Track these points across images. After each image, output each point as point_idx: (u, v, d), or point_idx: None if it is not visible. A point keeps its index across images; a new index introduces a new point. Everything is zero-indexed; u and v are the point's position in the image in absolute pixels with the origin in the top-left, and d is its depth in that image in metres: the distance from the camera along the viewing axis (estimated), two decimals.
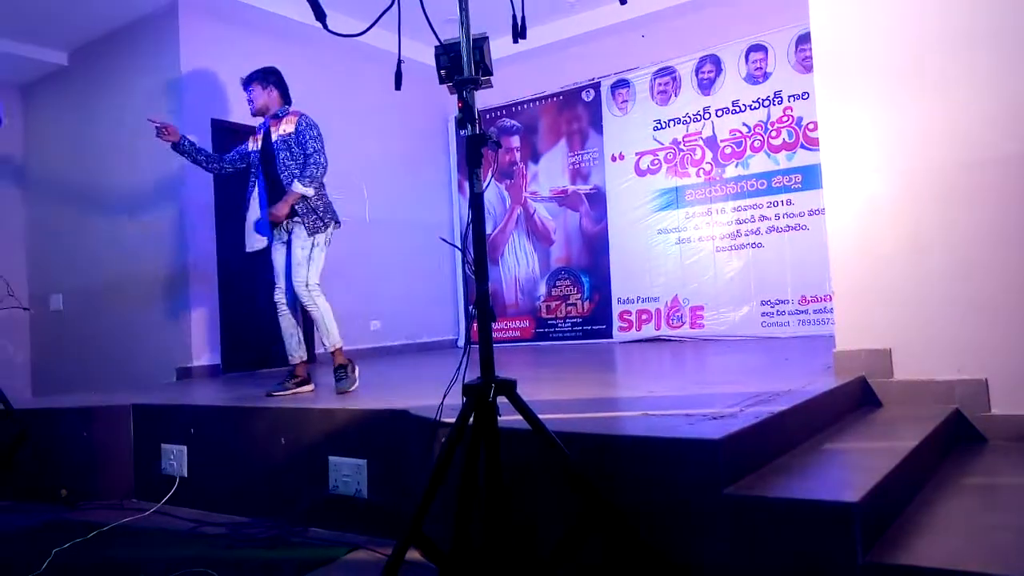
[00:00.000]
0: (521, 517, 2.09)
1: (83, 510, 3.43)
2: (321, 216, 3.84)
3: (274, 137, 3.91)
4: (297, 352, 3.94)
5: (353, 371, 3.78)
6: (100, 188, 6.25)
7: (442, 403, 2.12)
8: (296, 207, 3.81)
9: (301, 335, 3.98)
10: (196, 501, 3.39)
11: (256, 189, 3.90)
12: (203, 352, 5.63)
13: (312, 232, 3.80)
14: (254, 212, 3.88)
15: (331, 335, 3.83)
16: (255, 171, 3.95)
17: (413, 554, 2.45)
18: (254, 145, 4.02)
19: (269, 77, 4.04)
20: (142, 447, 3.66)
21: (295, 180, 3.80)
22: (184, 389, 4.77)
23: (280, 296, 3.93)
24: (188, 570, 2.43)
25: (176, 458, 3.50)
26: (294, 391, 3.76)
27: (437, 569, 2.35)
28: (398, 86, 1.97)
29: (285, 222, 3.86)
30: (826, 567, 1.69)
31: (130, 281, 5.96)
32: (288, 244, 3.89)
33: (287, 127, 3.89)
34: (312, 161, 3.83)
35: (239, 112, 5.97)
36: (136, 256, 5.93)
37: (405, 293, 7.26)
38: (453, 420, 1.89)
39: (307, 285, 3.78)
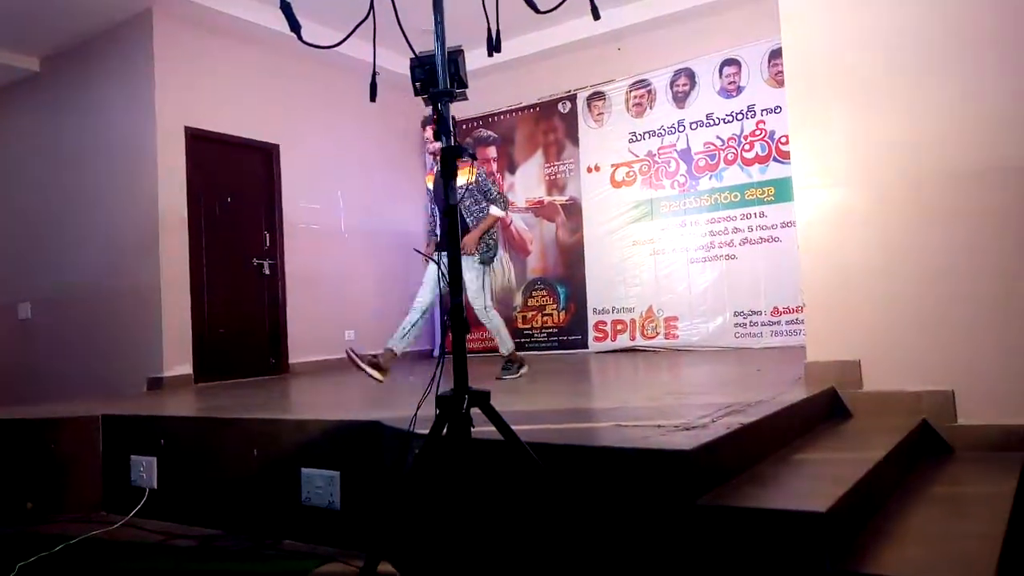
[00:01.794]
0: (494, 528, 2.09)
1: (50, 523, 3.36)
2: (492, 248, 4.52)
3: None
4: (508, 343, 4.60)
5: (519, 368, 4.57)
6: (72, 196, 6.18)
7: (415, 414, 2.11)
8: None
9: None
10: (166, 513, 3.34)
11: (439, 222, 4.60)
12: (175, 362, 5.56)
13: (484, 262, 4.45)
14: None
15: (505, 343, 4.55)
16: (432, 203, 4.66)
17: (386, 566, 2.44)
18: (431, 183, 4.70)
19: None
20: (111, 458, 3.61)
21: (491, 205, 4.41)
22: (155, 399, 4.71)
23: (419, 303, 4.67)
24: None
25: (146, 470, 3.45)
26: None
27: None
28: (373, 98, 1.97)
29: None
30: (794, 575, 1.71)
31: (101, 290, 5.89)
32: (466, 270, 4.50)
33: (469, 177, 4.32)
34: (497, 193, 4.48)
35: (213, 120, 5.95)
36: (108, 265, 5.86)
37: (380, 303, 7.22)
38: (427, 431, 1.89)
39: (485, 307, 4.44)
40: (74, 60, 6.23)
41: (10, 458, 3.55)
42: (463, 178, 4.45)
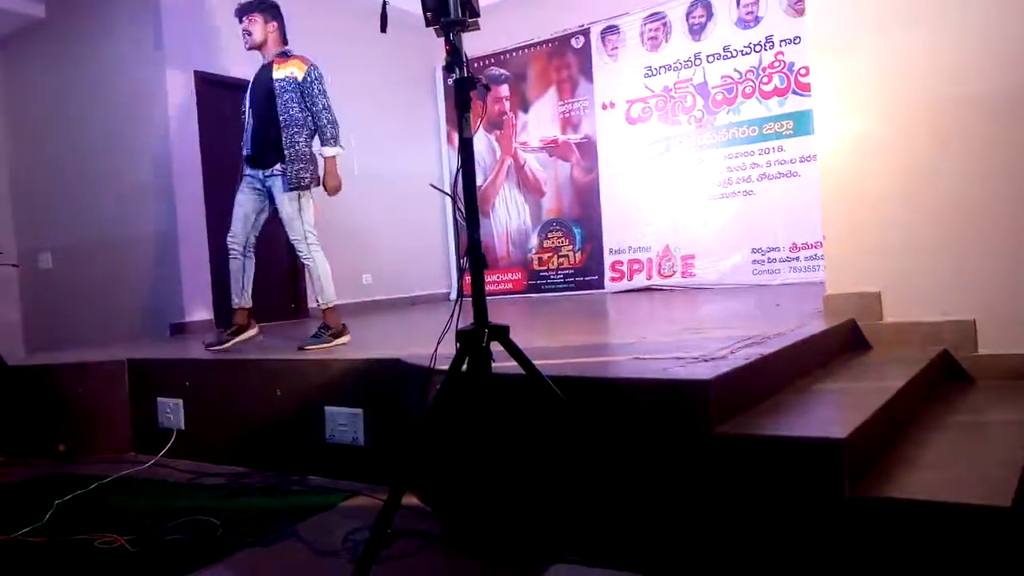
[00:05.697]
0: (515, 460, 2.13)
1: (82, 464, 3.46)
2: (310, 172, 3.73)
3: (276, 75, 3.71)
4: (241, 298, 3.84)
5: (333, 337, 3.60)
6: (84, 144, 6.16)
7: (436, 350, 2.12)
8: (284, 154, 3.68)
9: (247, 281, 3.85)
10: (194, 453, 3.42)
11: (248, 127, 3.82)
12: (196, 308, 5.62)
13: (293, 188, 3.66)
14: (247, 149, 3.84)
15: (325, 292, 3.73)
16: (246, 108, 3.84)
17: (411, 498, 2.50)
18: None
19: (272, 10, 3.83)
20: (138, 401, 3.68)
21: (324, 146, 3.73)
22: (178, 344, 4.77)
23: (231, 241, 3.85)
24: (190, 518, 2.47)
25: (173, 411, 3.52)
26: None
27: (433, 511, 2.41)
28: (383, 28, 1.93)
29: (263, 173, 3.76)
30: (813, 502, 1.73)
31: (119, 238, 5.92)
32: (267, 196, 3.78)
33: (295, 71, 3.71)
34: (326, 119, 3.74)
35: (224, 64, 5.88)
36: (125, 213, 5.88)
37: (396, 246, 7.24)
38: (447, 367, 1.90)
39: (304, 238, 3.71)
40: (80, 4, 6.14)
41: (41, 403, 3.64)
42: (287, 71, 3.70)
